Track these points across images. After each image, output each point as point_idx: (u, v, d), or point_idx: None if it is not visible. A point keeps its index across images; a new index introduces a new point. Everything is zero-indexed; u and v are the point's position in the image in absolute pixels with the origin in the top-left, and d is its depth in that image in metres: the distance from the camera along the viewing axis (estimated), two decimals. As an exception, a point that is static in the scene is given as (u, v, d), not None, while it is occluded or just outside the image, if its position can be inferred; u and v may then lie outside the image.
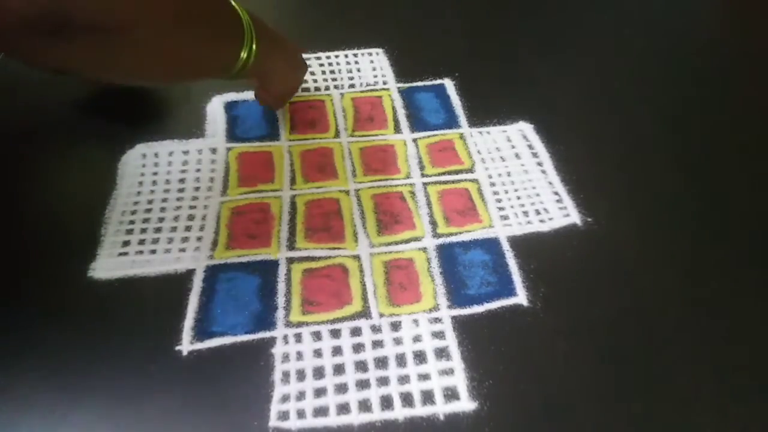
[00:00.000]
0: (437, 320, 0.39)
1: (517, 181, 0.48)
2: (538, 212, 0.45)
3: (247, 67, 0.43)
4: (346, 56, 0.59)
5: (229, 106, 0.53)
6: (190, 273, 0.41)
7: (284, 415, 0.34)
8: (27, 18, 0.29)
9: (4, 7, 0.29)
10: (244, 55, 0.42)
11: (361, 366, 0.36)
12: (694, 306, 0.40)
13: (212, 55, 0.41)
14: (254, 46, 0.42)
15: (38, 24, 0.30)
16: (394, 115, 0.54)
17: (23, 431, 0.33)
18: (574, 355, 0.37)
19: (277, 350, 0.37)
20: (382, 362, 0.37)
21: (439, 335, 0.38)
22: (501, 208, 0.46)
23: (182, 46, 0.38)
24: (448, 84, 0.56)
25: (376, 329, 0.38)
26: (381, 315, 0.39)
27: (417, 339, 0.38)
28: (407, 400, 0.35)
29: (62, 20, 0.30)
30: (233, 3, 0.42)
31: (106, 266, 0.40)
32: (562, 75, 0.59)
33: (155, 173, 0.47)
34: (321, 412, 0.34)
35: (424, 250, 0.43)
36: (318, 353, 0.37)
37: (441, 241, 0.43)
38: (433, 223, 0.45)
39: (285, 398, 0.35)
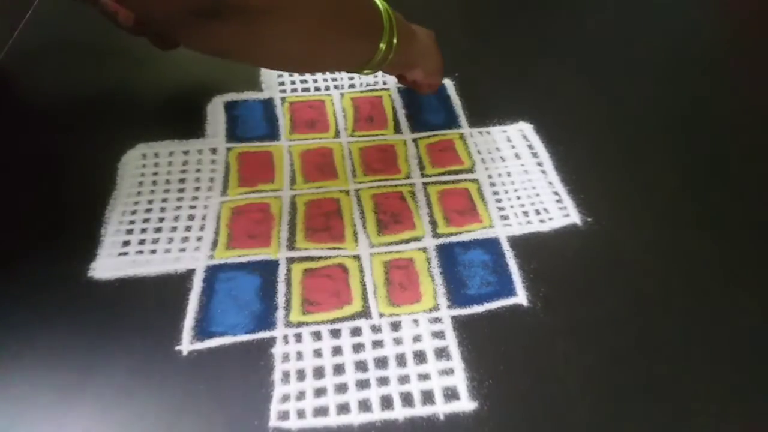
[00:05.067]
0: (437, 320, 0.39)
1: (517, 181, 0.48)
2: (538, 212, 0.45)
3: (388, 60, 0.43)
4: (346, 56, 0.59)
5: (230, 106, 0.53)
6: (190, 273, 0.41)
7: (284, 415, 0.34)
8: (185, 2, 0.33)
9: None
10: (383, 47, 0.42)
11: (361, 366, 0.36)
12: (694, 306, 0.40)
13: (353, 47, 0.42)
14: (394, 40, 0.42)
15: (196, 7, 0.33)
16: (394, 115, 0.54)
17: (23, 431, 0.33)
18: (574, 355, 0.37)
19: (277, 350, 0.37)
20: (382, 362, 0.37)
21: (439, 335, 0.38)
22: (501, 208, 0.46)
23: (326, 36, 0.39)
24: (448, 84, 0.56)
25: (376, 329, 0.38)
26: (381, 315, 0.39)
27: (417, 339, 0.38)
28: (407, 400, 0.35)
29: (218, 3, 0.33)
30: None
31: (106, 266, 0.40)
32: (562, 75, 0.59)
33: (155, 173, 0.47)
34: (321, 411, 0.34)
35: (424, 250, 0.43)
36: (318, 353, 0.37)
37: (441, 241, 0.43)
38: (433, 223, 0.45)
39: (285, 398, 0.35)
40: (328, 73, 0.57)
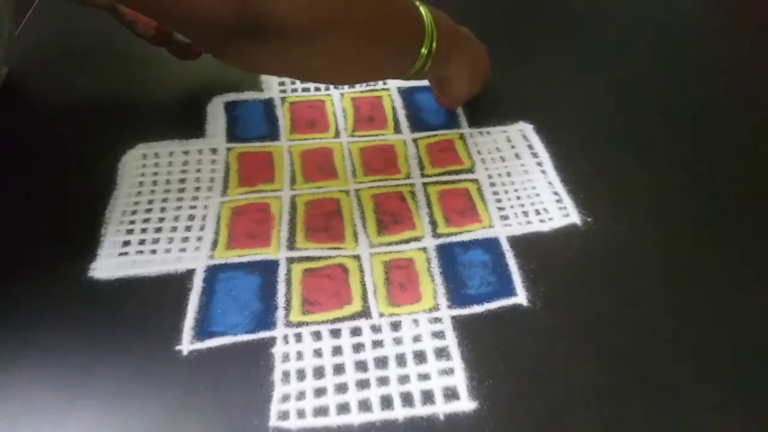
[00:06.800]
0: (437, 320, 0.39)
1: (517, 181, 0.48)
2: (538, 212, 0.45)
3: (425, 69, 0.43)
4: (346, 56, 0.59)
5: (230, 106, 0.53)
6: (190, 273, 0.41)
7: (284, 415, 0.34)
8: (224, 22, 0.32)
9: (203, 13, 0.32)
10: (424, 52, 0.42)
11: (361, 366, 0.36)
12: (695, 306, 0.40)
13: (395, 59, 0.42)
14: (433, 45, 0.42)
15: (234, 27, 0.32)
16: (394, 115, 0.54)
17: (23, 430, 0.33)
18: (574, 355, 0.37)
19: (277, 350, 0.37)
20: (382, 362, 0.37)
21: (439, 335, 0.38)
22: (501, 208, 0.46)
23: (366, 53, 0.39)
24: (448, 84, 0.56)
25: (376, 329, 0.38)
26: (381, 315, 0.39)
27: (417, 339, 0.38)
28: (407, 399, 0.35)
29: (257, 24, 0.32)
30: (417, 3, 0.43)
31: (106, 266, 0.40)
32: (562, 75, 0.59)
33: (155, 173, 0.47)
34: (321, 411, 0.34)
35: (424, 250, 0.43)
36: (318, 353, 0.37)
37: (441, 241, 0.43)
38: (433, 223, 0.45)
39: (285, 398, 0.35)
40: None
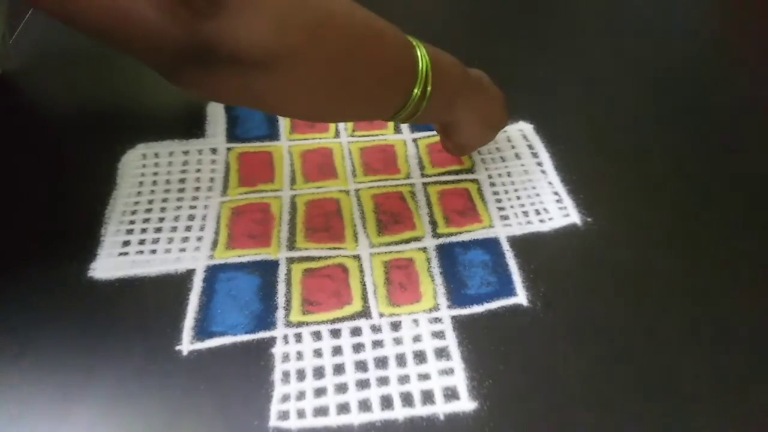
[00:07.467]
0: (437, 320, 0.39)
1: (517, 181, 0.48)
2: (538, 212, 0.45)
3: (419, 113, 0.39)
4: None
5: (230, 106, 0.53)
6: (190, 273, 0.41)
7: (284, 415, 0.34)
8: (171, 47, 0.29)
9: (147, 36, 0.28)
10: (416, 93, 0.37)
11: (361, 366, 0.36)
12: (694, 305, 0.40)
13: (377, 98, 0.38)
14: (428, 88, 0.37)
15: (183, 52, 0.29)
16: (394, 115, 0.54)
17: (23, 430, 0.33)
18: (574, 355, 0.37)
19: (277, 350, 0.37)
20: (382, 362, 0.37)
21: (439, 335, 0.38)
22: (501, 208, 0.46)
23: (344, 87, 0.35)
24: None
25: (376, 329, 0.38)
26: (381, 315, 0.39)
27: (417, 339, 0.38)
28: (407, 399, 0.35)
29: (208, 50, 0.29)
30: (413, 41, 0.38)
31: (106, 266, 0.40)
32: (562, 75, 0.59)
33: (155, 173, 0.47)
34: (321, 411, 0.34)
35: (424, 250, 0.43)
36: (318, 353, 0.37)
37: (441, 241, 0.43)
38: (433, 223, 0.45)
39: (285, 398, 0.35)
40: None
